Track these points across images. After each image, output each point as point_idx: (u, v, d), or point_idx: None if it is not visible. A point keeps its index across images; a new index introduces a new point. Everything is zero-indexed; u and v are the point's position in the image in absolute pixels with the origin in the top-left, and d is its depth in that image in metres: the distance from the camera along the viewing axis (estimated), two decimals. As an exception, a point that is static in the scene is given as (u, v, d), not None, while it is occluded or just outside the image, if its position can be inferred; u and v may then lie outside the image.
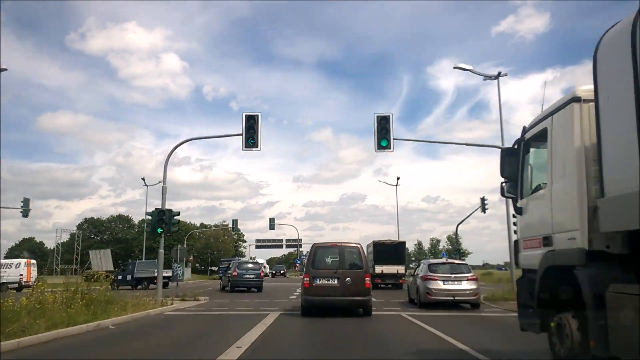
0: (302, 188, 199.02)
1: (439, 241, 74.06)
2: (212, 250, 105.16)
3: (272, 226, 58.81)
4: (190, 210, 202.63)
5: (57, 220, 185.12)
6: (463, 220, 45.42)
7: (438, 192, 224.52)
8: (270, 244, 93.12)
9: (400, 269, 29.32)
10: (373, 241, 31.38)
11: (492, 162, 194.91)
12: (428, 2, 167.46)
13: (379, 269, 28.68)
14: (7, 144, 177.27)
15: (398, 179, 55.23)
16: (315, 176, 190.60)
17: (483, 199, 39.97)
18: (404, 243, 31.84)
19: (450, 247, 62.73)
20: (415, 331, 10.53)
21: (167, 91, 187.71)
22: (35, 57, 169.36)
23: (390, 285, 28.92)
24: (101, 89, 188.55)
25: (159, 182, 57.26)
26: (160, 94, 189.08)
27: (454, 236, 63.90)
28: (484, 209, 40.01)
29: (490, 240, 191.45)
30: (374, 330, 10.60)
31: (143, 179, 50.17)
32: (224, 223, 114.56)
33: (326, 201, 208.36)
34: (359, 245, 13.17)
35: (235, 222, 58.00)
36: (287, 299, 20.02)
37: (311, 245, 13.83)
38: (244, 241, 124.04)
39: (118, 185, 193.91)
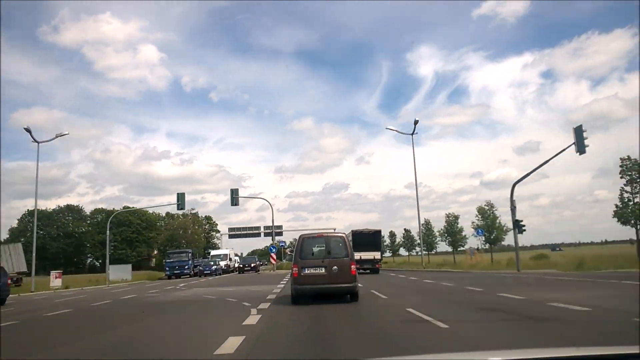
0: (284, 179, 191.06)
1: (457, 217, 58.13)
2: (178, 242, 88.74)
3: (234, 201, 41.57)
4: (172, 206, 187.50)
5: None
6: (526, 176, 29.14)
7: (420, 179, 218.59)
8: (245, 232, 76.76)
9: (377, 254, 31.60)
10: (352, 230, 32.93)
11: (471, 148, 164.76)
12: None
13: (357, 255, 28.62)
14: None
15: (416, 122, 39.13)
16: (298, 166, 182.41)
17: (580, 129, 23.68)
18: (379, 231, 33.80)
19: (482, 222, 46.68)
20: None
21: (145, 83, 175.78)
22: (7, 53, 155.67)
23: (368, 270, 30.34)
24: (76, 84, 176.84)
25: (56, 137, 39.90)
26: (137, 86, 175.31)
27: (486, 207, 47.98)
28: (581, 148, 23.70)
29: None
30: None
31: (28, 130, 32.45)
32: (192, 211, 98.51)
33: (309, 191, 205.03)
34: (344, 235, 13.24)
35: (181, 196, 40.20)
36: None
37: (298, 236, 13.61)
38: (218, 231, 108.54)
39: (97, 182, 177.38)
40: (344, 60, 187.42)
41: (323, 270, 11.92)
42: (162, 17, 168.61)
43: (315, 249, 12.59)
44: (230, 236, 78.70)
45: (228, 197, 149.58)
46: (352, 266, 12.03)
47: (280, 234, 63.44)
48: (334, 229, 54.13)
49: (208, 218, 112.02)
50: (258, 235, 76.16)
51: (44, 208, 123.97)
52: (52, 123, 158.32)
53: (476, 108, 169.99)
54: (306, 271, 11.98)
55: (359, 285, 12.61)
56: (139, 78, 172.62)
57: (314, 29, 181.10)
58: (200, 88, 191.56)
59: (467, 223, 69.65)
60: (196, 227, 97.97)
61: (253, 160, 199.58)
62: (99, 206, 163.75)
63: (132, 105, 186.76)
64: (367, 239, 31.12)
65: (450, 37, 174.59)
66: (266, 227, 70.85)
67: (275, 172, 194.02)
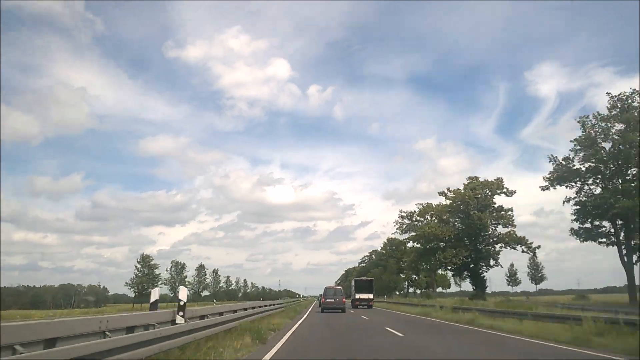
0: (396, 205, 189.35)
1: None
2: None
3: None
4: (284, 232, 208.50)
5: (161, 248, 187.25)
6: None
7: (549, 206, 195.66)
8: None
9: (370, 295, 43.42)
10: (354, 279, 52.52)
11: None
12: (528, 2, 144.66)
13: (357, 295, 43.30)
14: (114, 177, 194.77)
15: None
16: (411, 190, 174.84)
17: None
18: (372, 280, 47.85)
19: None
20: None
21: (273, 103, 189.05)
22: (143, 95, 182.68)
23: (365, 306, 42.24)
24: (203, 119, 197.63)
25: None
26: (265, 106, 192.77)
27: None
28: None
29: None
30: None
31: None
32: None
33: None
34: (341, 287, 36.87)
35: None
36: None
37: (324, 287, 34.72)
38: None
39: (215, 209, 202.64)
40: (458, 83, 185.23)
41: (333, 300, 32.56)
42: (283, 50, 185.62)
43: (330, 292, 33.46)
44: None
45: (338, 224, 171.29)
46: (344, 299, 33.60)
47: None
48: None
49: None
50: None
51: (167, 235, 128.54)
52: (178, 151, 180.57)
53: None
54: (327, 300, 32.80)
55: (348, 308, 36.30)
56: (267, 98, 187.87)
57: (427, 54, 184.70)
58: (315, 117, 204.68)
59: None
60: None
61: (362, 189, 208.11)
62: (219, 233, 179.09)
63: (250, 137, 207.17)
64: (364, 284, 44.82)
65: (574, 53, 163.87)
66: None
67: (386, 198, 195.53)
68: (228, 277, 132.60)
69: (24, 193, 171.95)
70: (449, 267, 58.33)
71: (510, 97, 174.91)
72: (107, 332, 5.82)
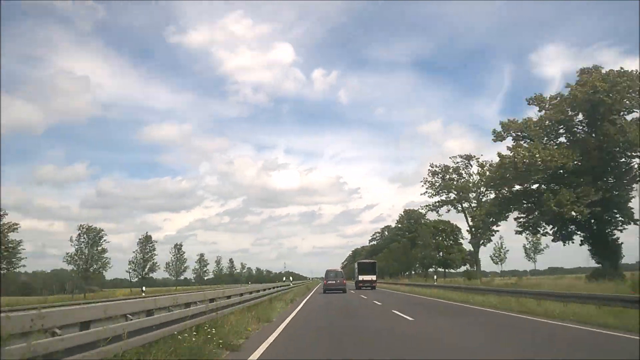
0: (403, 188, 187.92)
1: None
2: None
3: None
4: (289, 217, 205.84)
5: (168, 233, 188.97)
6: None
7: None
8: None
9: (373, 277, 44.05)
10: (358, 261, 52.82)
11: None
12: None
13: (361, 277, 43.86)
14: (119, 164, 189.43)
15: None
16: (417, 173, 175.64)
17: None
18: (375, 262, 47.55)
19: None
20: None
21: (277, 88, 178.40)
22: (148, 83, 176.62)
23: (368, 287, 42.60)
24: (207, 107, 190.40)
25: None
26: (269, 91, 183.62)
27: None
28: None
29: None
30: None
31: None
32: None
33: (430, 200, 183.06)
34: (341, 270, 42.94)
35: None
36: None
37: (325, 270, 37.31)
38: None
39: (221, 194, 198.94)
40: (462, 66, 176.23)
41: (334, 281, 35.44)
42: (286, 34, 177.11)
43: (331, 275, 36.27)
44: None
45: (344, 208, 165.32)
46: (344, 281, 36.69)
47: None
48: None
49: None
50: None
51: (172, 221, 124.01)
52: (183, 138, 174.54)
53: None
54: (329, 281, 35.72)
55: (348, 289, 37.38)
56: (271, 83, 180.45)
57: (430, 38, 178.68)
58: (319, 102, 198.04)
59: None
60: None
61: (368, 173, 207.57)
62: (225, 218, 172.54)
63: (255, 123, 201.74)
64: (367, 266, 45.70)
65: (579, 33, 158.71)
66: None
67: (392, 181, 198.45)
68: (202, 255, 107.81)
69: (28, 182, 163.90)
70: (546, 226, 33.74)
71: (515, 79, 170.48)
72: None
